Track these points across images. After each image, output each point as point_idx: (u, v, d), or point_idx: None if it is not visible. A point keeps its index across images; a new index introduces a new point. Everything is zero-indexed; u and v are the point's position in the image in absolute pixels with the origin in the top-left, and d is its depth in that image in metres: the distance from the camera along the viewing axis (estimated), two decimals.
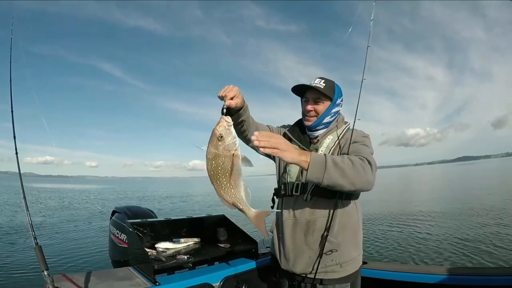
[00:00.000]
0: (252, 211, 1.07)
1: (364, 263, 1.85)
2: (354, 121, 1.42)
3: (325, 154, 1.18)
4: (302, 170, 1.16)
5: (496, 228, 7.10)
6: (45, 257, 1.23)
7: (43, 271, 1.18)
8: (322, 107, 1.45)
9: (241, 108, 1.28)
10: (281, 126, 1.64)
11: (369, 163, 1.20)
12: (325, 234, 1.34)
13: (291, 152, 1.09)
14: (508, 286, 1.44)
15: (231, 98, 1.19)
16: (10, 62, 1.81)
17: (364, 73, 1.41)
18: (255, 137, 1.04)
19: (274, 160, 1.59)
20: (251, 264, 1.81)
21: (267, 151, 1.05)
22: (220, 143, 1.03)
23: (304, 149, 1.45)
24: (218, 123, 1.06)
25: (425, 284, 1.59)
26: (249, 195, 1.07)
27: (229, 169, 1.03)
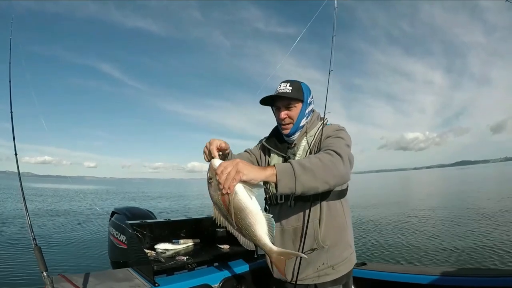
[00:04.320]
0: (273, 249, 1.00)
1: (363, 264, 1.86)
2: (324, 115, 1.42)
3: (289, 161, 1.07)
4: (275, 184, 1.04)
5: (492, 230, 7.11)
6: (45, 258, 1.24)
7: (42, 272, 1.18)
8: (295, 111, 1.40)
9: (226, 150, 1.24)
10: (258, 143, 1.61)
11: (338, 154, 1.11)
12: (313, 239, 1.33)
13: (252, 173, 0.96)
14: (504, 287, 1.45)
15: (220, 148, 1.18)
16: (10, 64, 1.81)
17: (331, 64, 1.40)
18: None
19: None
20: (250, 266, 1.82)
21: (234, 183, 0.93)
22: (211, 186, 0.99)
23: (283, 156, 1.45)
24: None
25: (423, 285, 1.59)
26: (273, 228, 0.99)
27: (231, 209, 0.96)
